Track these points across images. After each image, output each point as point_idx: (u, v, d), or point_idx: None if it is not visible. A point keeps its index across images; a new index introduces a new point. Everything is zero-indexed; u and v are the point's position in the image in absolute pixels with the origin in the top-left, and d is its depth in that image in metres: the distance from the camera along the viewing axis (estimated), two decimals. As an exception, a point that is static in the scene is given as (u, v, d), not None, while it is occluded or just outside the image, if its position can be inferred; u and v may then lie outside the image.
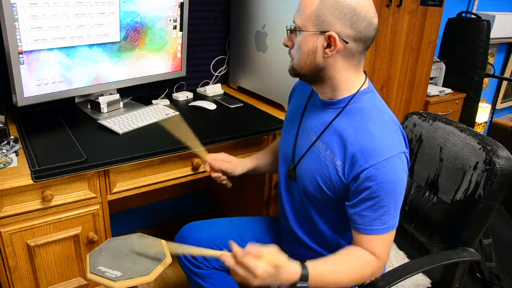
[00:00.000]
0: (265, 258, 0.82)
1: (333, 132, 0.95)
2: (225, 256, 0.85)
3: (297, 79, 1.07)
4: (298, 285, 0.84)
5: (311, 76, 0.94)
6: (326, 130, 0.96)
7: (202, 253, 0.94)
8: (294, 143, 1.05)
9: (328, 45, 0.88)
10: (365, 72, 0.97)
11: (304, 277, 0.84)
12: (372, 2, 0.89)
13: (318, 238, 1.07)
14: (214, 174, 1.20)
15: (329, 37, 0.86)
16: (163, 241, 1.14)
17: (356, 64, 0.92)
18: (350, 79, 0.93)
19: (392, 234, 0.92)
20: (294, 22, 0.92)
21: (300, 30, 0.90)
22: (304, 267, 0.85)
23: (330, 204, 0.98)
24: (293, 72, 0.97)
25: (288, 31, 0.95)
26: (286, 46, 0.96)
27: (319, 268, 0.87)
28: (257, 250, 0.83)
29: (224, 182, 1.22)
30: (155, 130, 1.41)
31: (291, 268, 0.84)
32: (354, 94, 0.93)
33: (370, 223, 0.89)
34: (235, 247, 0.84)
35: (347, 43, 0.87)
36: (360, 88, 0.94)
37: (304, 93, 1.09)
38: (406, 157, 0.90)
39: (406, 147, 0.92)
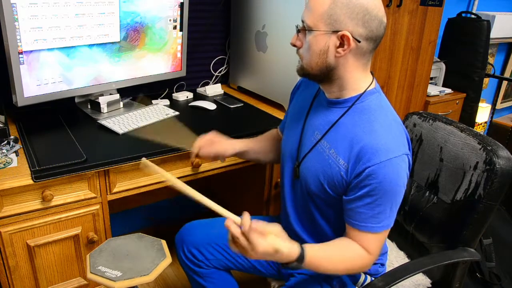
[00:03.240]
0: (269, 238, 0.83)
1: (338, 131, 0.95)
2: (231, 223, 0.84)
3: (298, 77, 1.07)
4: (293, 265, 0.86)
5: (321, 76, 0.94)
6: (331, 129, 0.96)
7: (209, 205, 0.88)
8: (299, 141, 1.05)
9: (341, 45, 0.88)
10: (371, 73, 0.97)
11: (300, 258, 0.86)
12: (381, 1, 0.89)
13: (318, 237, 1.07)
14: (206, 161, 1.19)
15: (342, 36, 0.86)
16: (163, 241, 1.14)
17: (365, 63, 0.92)
18: (358, 79, 0.93)
19: (385, 233, 0.93)
20: (303, 21, 0.91)
21: (311, 30, 0.89)
22: (302, 248, 0.86)
23: (331, 203, 0.98)
24: (302, 72, 0.96)
25: (297, 31, 0.94)
26: (294, 46, 0.95)
27: (315, 252, 0.88)
28: (263, 228, 0.84)
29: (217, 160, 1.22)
30: (155, 130, 1.41)
31: (290, 250, 0.85)
32: (361, 94, 0.93)
33: (365, 220, 0.90)
34: (246, 217, 0.83)
35: (359, 42, 0.87)
36: (367, 88, 0.94)
37: (309, 91, 1.09)
38: (409, 159, 0.91)
39: (409, 149, 0.92)
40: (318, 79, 0.96)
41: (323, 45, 0.89)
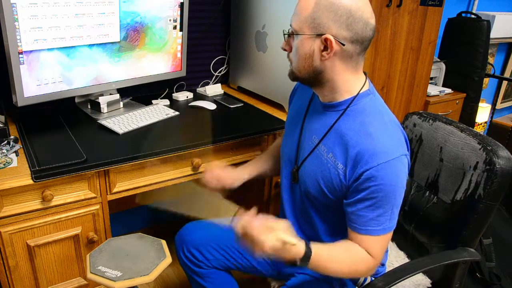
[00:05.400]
0: (276, 233, 0.83)
1: (335, 135, 0.95)
2: (238, 221, 0.85)
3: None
4: (299, 263, 0.85)
5: (310, 79, 0.94)
6: (328, 133, 0.96)
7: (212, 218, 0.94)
8: (297, 145, 1.05)
9: (325, 48, 0.88)
10: (365, 73, 0.97)
11: (306, 257, 0.85)
12: (368, 3, 0.88)
13: (317, 240, 1.06)
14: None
15: (325, 39, 0.86)
16: (163, 241, 1.14)
17: (354, 65, 0.92)
18: (349, 81, 0.93)
19: (388, 236, 0.92)
20: (291, 25, 0.92)
21: (297, 34, 0.90)
22: (308, 247, 0.86)
23: (330, 206, 0.98)
24: (292, 76, 0.97)
25: (286, 35, 0.95)
26: (284, 50, 0.96)
27: (320, 251, 0.88)
28: (270, 224, 0.84)
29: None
30: (155, 130, 1.41)
31: (297, 247, 0.85)
32: (355, 96, 0.93)
33: (366, 223, 0.90)
34: (251, 215, 0.84)
35: (343, 45, 0.87)
36: (360, 90, 0.94)
37: (306, 96, 1.09)
38: (407, 159, 0.90)
39: (408, 150, 0.92)
40: (308, 83, 0.97)
41: (308, 48, 0.89)
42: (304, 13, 0.88)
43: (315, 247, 0.87)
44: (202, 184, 1.14)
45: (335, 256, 0.91)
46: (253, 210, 0.84)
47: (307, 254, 0.85)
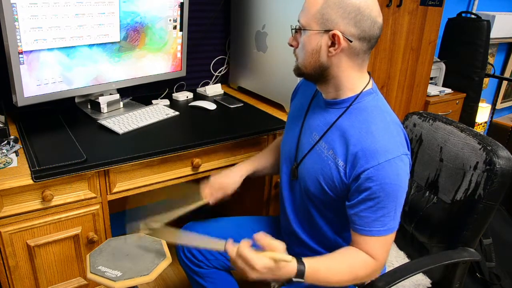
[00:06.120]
0: (266, 253, 0.82)
1: (336, 132, 0.95)
2: (228, 246, 0.85)
3: (300, 79, 1.07)
4: (294, 279, 0.85)
5: (315, 76, 0.94)
6: (329, 130, 0.96)
7: (205, 246, 0.94)
8: (297, 142, 1.05)
9: (332, 44, 0.88)
10: (369, 73, 0.97)
11: (300, 273, 0.85)
12: (376, 1, 0.89)
13: (318, 238, 1.07)
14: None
15: (333, 35, 0.87)
16: (163, 241, 1.14)
17: (360, 63, 0.92)
18: (354, 79, 0.93)
19: (392, 236, 0.92)
20: (298, 21, 0.92)
21: (305, 29, 0.90)
22: (301, 263, 0.85)
23: (330, 204, 0.98)
24: (298, 71, 0.97)
25: (293, 31, 0.95)
26: (291, 45, 0.97)
27: (315, 265, 0.87)
28: (264, 242, 0.83)
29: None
30: (155, 130, 1.41)
31: (289, 264, 0.84)
32: (358, 95, 0.93)
33: (369, 224, 0.89)
34: (241, 244, 0.84)
35: (351, 41, 0.87)
36: (364, 89, 0.94)
37: (308, 93, 1.09)
38: (408, 159, 0.90)
39: (408, 149, 0.92)
40: (313, 79, 0.97)
41: (316, 44, 0.89)
42: (313, 9, 0.88)
43: (310, 261, 0.87)
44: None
45: (333, 267, 0.90)
46: (246, 241, 0.84)
47: (301, 270, 0.85)
